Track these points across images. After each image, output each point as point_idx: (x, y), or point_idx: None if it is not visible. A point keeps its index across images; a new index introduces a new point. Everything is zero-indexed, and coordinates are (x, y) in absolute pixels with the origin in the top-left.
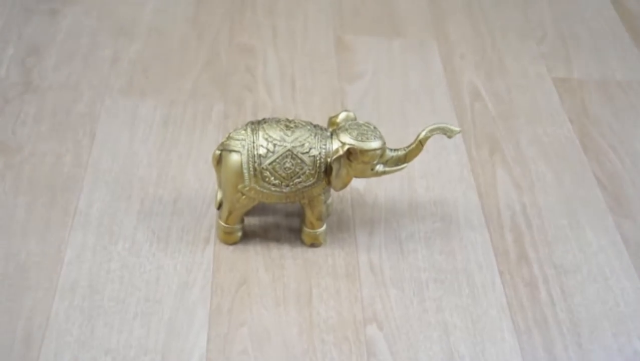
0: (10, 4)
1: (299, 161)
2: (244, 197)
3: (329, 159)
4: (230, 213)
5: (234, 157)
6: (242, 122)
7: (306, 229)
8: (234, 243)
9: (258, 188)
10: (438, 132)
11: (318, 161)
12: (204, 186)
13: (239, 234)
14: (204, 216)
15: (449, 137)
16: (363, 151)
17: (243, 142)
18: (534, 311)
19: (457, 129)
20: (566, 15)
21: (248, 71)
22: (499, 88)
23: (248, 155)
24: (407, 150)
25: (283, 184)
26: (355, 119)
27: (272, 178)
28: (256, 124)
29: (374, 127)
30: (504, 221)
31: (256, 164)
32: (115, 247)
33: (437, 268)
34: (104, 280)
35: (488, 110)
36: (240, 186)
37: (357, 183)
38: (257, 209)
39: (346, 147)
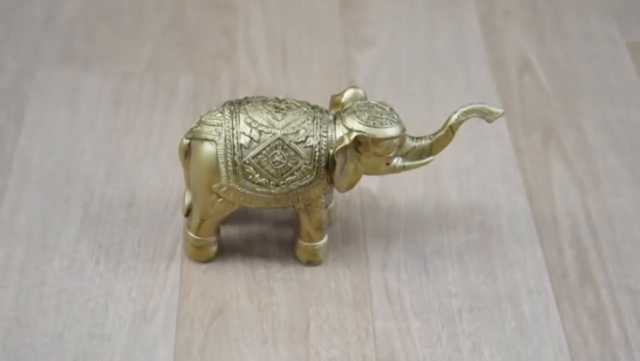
0: None
1: (292, 153)
2: (220, 200)
3: (331, 151)
4: (202, 222)
5: (207, 149)
6: (217, 101)
7: (302, 243)
8: (207, 261)
9: (239, 189)
10: (474, 114)
11: (317, 153)
12: (168, 186)
13: (214, 249)
14: (167, 226)
15: (489, 121)
16: (376, 140)
17: (219, 129)
18: (602, 351)
19: (500, 110)
20: None
21: (225, 33)
22: (555, 55)
23: (226, 145)
24: (433, 138)
25: (271, 183)
26: (365, 98)
27: (257, 176)
28: (236, 105)
29: (390, 109)
30: (562, 232)
31: (236, 158)
32: (50, 266)
33: (474, 293)
34: (35, 310)
35: (541, 85)
36: (215, 186)
37: (368, 182)
38: (238, 216)
39: (354, 134)
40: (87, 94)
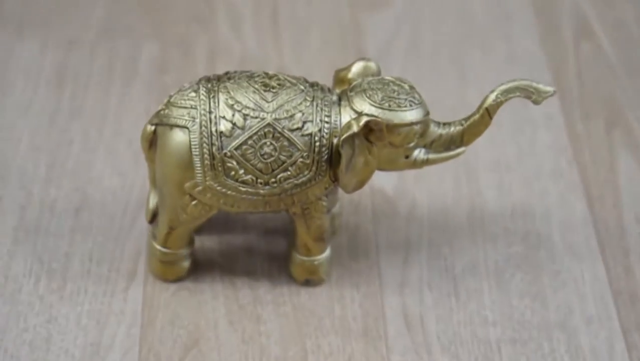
0: None
1: (285, 143)
2: (194, 203)
3: (335, 140)
4: (171, 230)
5: (178, 137)
6: (190, 77)
7: (298, 257)
8: (178, 280)
9: (218, 188)
10: (518, 94)
11: (317, 144)
12: (127, 184)
13: (186, 264)
14: (126, 235)
15: (537, 102)
16: (392, 127)
17: (193, 112)
18: None
19: (550, 88)
20: None
21: None
22: (623, 17)
23: (201, 133)
24: (465, 125)
25: (259, 181)
26: (379, 73)
27: (242, 172)
28: (214, 82)
29: (410, 87)
30: (631, 244)
31: (215, 149)
32: None
33: (516, 321)
34: None
35: (604, 55)
36: (188, 185)
37: (382, 180)
38: (217, 223)
39: (364, 119)
40: (22, 67)
